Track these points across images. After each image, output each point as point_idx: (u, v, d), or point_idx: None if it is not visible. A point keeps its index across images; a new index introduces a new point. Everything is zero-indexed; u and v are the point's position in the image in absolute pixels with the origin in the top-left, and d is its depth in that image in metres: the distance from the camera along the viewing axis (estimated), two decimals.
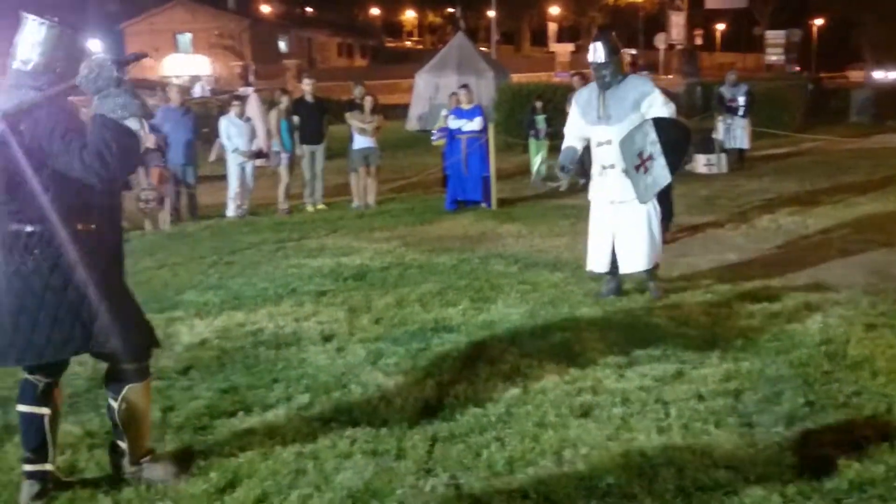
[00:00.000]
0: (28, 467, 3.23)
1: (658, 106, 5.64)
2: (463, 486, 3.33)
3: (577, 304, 5.87)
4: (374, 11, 63.98)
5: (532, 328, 5.37)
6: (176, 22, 52.17)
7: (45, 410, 3.20)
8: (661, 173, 5.47)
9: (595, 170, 5.94)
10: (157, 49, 46.58)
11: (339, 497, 3.27)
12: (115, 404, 3.28)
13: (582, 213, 10.09)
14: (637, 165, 5.55)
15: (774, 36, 42.28)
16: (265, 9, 60.18)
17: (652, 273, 6.03)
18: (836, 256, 7.21)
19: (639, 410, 3.95)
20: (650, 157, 5.47)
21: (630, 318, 5.51)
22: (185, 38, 52.78)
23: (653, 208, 5.83)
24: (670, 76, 42.23)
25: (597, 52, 5.70)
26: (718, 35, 59.90)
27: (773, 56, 42.71)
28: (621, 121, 5.67)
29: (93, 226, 3.08)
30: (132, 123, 2.96)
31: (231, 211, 11.07)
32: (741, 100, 13.85)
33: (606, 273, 6.05)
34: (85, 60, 2.98)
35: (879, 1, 39.01)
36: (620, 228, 5.84)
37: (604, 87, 5.76)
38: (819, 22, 51.84)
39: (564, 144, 6.18)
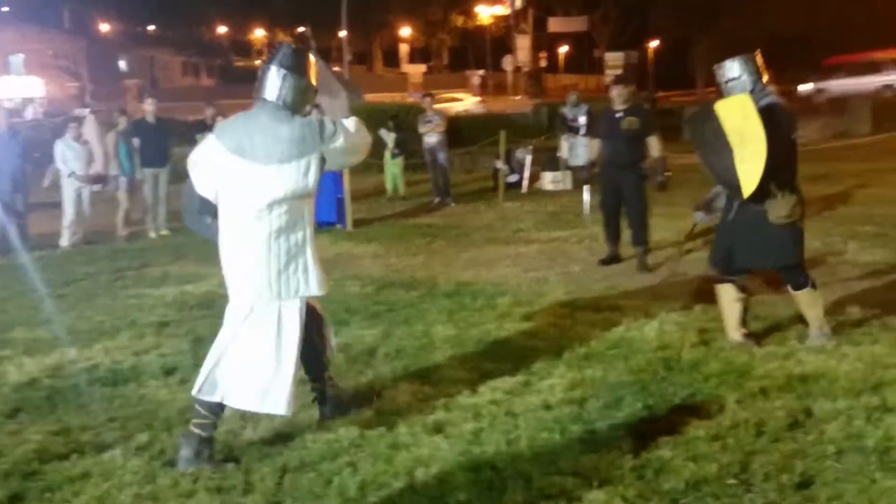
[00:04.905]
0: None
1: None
2: None
3: (432, 322, 5.90)
4: (222, 30, 62.31)
5: (387, 348, 5.35)
6: (5, 43, 48.97)
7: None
8: None
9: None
10: None
11: None
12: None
13: (438, 231, 10.29)
14: None
15: (613, 58, 44.44)
16: (104, 27, 57.50)
17: None
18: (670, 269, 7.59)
19: (489, 424, 4.00)
20: None
21: (482, 332, 5.59)
22: (17, 60, 49.70)
23: None
24: (518, 97, 43.69)
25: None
26: (561, 57, 62.33)
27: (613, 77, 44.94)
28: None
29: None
30: None
31: (65, 240, 10.44)
32: (582, 119, 14.43)
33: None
34: None
35: (711, 24, 42.16)
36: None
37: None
38: (655, 44, 54.97)
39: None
